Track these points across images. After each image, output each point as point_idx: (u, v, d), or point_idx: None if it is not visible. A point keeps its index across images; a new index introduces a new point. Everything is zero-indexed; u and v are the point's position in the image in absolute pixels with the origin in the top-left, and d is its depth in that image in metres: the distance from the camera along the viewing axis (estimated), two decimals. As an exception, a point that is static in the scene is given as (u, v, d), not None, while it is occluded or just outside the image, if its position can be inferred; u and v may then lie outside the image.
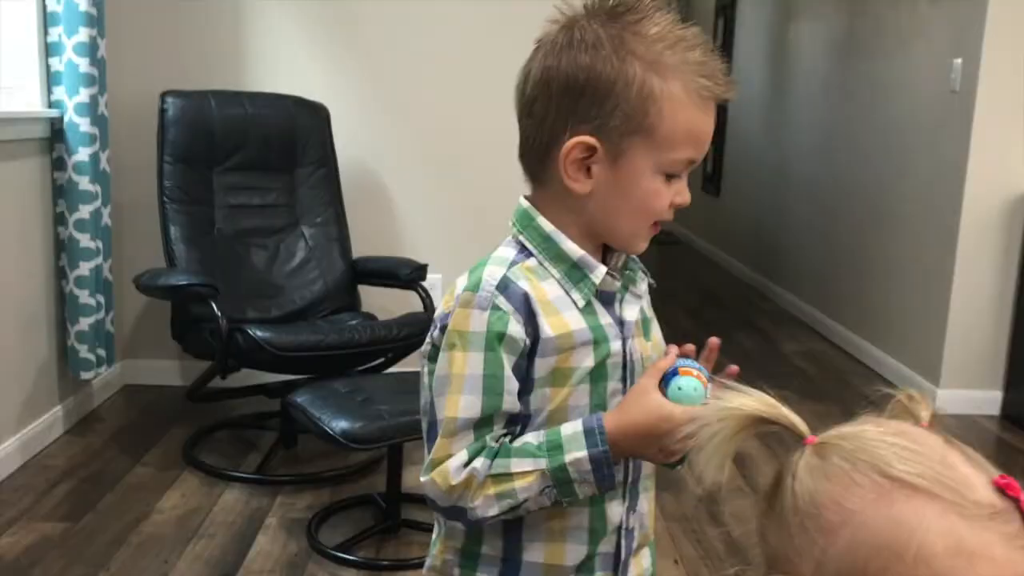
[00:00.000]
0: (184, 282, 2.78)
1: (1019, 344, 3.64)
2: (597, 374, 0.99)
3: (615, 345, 1.01)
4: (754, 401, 0.66)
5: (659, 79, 0.94)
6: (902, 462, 0.59)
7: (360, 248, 3.33)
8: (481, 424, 0.95)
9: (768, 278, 5.84)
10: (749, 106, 6.46)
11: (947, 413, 2.66)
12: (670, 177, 0.98)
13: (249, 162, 3.22)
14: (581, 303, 0.99)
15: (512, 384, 0.96)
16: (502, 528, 1.01)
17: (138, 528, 2.52)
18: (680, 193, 1.00)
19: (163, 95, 3.11)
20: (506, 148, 3.96)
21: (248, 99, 3.25)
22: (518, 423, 0.98)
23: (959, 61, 3.64)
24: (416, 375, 2.73)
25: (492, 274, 0.98)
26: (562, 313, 0.98)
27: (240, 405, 3.35)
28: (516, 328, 0.95)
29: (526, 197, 1.06)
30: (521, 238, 1.03)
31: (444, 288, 3.55)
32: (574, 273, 1.00)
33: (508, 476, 0.95)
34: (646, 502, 1.08)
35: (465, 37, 3.52)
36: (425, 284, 3.13)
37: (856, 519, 0.59)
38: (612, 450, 0.94)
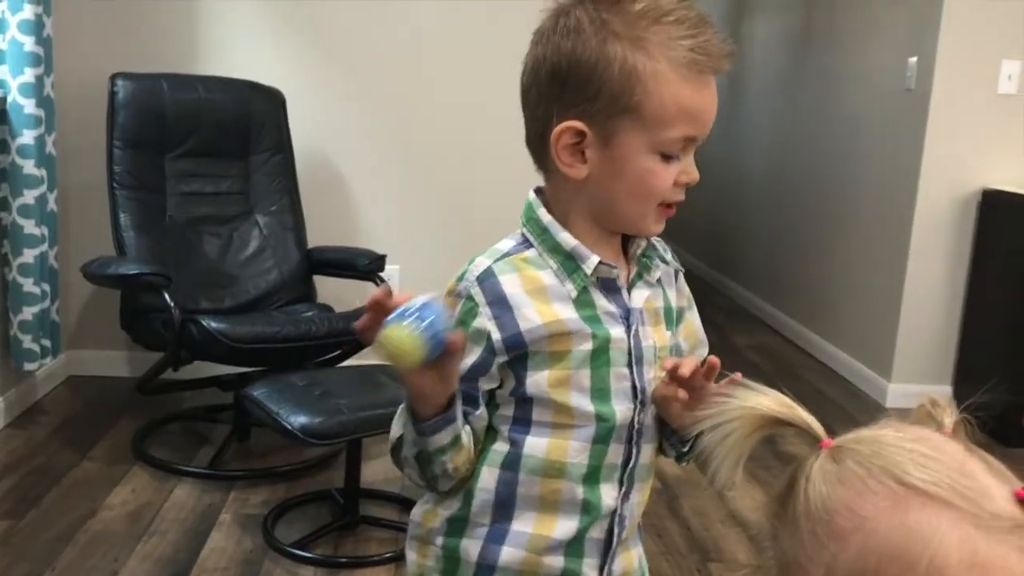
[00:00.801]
0: (135, 271, 2.70)
1: (968, 339, 3.70)
2: (598, 360, 1.00)
3: (615, 331, 1.01)
4: (770, 401, 0.65)
5: (643, 56, 0.93)
6: (919, 469, 0.58)
7: (316, 237, 3.27)
8: None
9: (721, 272, 5.88)
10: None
11: (898, 407, 2.72)
12: (668, 157, 0.96)
13: (202, 148, 3.13)
14: (574, 293, 1.00)
15: (469, 372, 0.99)
16: (495, 496, 1.02)
17: (85, 525, 2.44)
18: (686, 171, 0.98)
19: (113, 77, 3.01)
20: (466, 136, 3.94)
21: (201, 83, 3.16)
22: (476, 404, 1.01)
23: (914, 59, 3.68)
24: (372, 367, 2.70)
25: (478, 265, 1.01)
26: (553, 303, 0.99)
27: (191, 397, 3.27)
28: (482, 321, 0.98)
29: (536, 188, 1.06)
30: (524, 230, 1.04)
31: (403, 279, 3.50)
32: (568, 264, 1.00)
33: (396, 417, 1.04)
34: (638, 493, 1.08)
35: (423, 22, 3.47)
36: (383, 275, 3.08)
37: (868, 526, 0.57)
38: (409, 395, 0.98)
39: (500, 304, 0.98)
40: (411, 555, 1.09)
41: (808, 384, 4.06)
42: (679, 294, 1.11)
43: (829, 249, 4.43)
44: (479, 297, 0.98)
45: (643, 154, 0.96)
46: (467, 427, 1.00)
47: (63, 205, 3.30)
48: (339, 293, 3.25)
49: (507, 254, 1.01)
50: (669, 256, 1.10)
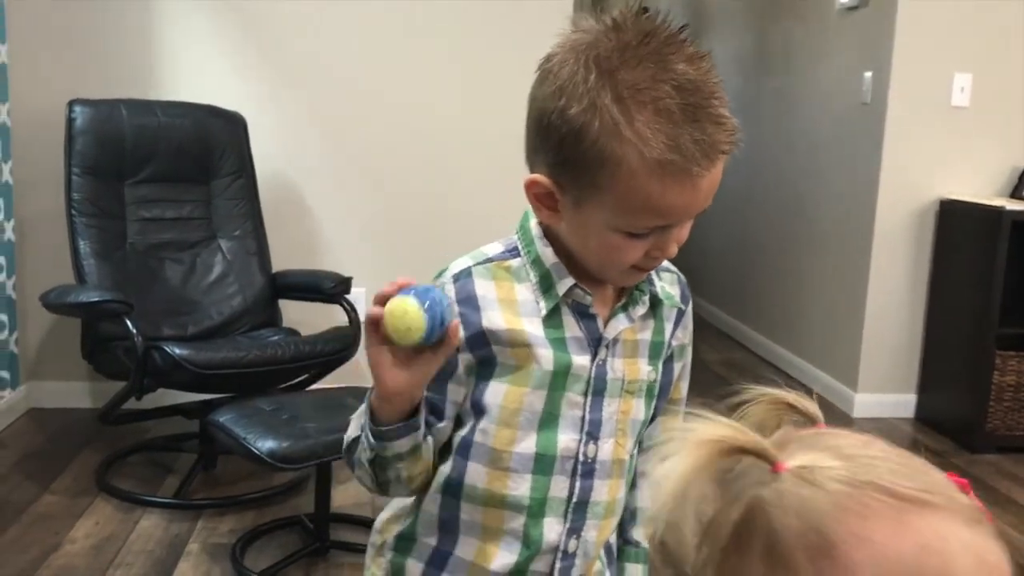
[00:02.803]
0: (96, 299, 2.66)
1: (931, 347, 3.75)
2: (556, 382, 0.98)
3: (578, 358, 0.98)
4: (725, 428, 0.57)
5: (616, 142, 0.85)
6: (903, 477, 0.54)
7: (280, 261, 3.24)
8: None
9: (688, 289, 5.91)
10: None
11: (865, 417, 2.72)
12: (637, 235, 0.90)
13: (162, 173, 3.10)
14: (544, 312, 0.98)
15: (436, 373, 0.97)
16: (438, 519, 1.01)
17: (47, 561, 2.38)
18: (659, 247, 0.92)
19: (71, 103, 2.98)
20: (429, 157, 3.92)
21: (160, 108, 3.13)
22: (441, 416, 0.99)
23: (869, 74, 3.74)
24: (340, 391, 2.67)
25: (459, 264, 1.00)
26: (521, 317, 0.97)
27: (155, 427, 3.22)
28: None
29: None
30: (515, 237, 1.02)
31: (368, 301, 3.48)
32: (545, 281, 0.98)
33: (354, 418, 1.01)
34: (596, 531, 1.03)
35: (384, 44, 3.47)
36: (349, 297, 3.06)
37: (879, 550, 0.52)
38: (371, 398, 0.95)
39: (469, 303, 0.96)
40: (367, 560, 1.09)
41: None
42: (683, 331, 1.08)
43: (793, 263, 4.47)
44: (451, 294, 0.96)
45: (607, 230, 0.90)
46: (428, 438, 0.97)
47: (20, 234, 3.25)
48: (305, 317, 3.22)
49: (490, 259, 0.99)
50: (678, 292, 1.06)
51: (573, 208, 0.91)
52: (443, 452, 1.01)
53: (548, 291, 0.98)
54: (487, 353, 0.96)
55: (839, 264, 4.00)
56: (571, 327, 0.99)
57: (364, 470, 0.98)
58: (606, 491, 1.02)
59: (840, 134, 4.01)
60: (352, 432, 1.00)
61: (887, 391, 3.79)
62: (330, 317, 3.10)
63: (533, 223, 1.00)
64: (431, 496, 1.01)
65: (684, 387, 1.12)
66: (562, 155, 0.89)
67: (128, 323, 2.59)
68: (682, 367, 1.10)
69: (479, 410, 0.98)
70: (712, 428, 0.56)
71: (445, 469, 1.00)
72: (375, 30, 3.46)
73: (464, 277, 0.98)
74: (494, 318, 0.96)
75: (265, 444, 2.18)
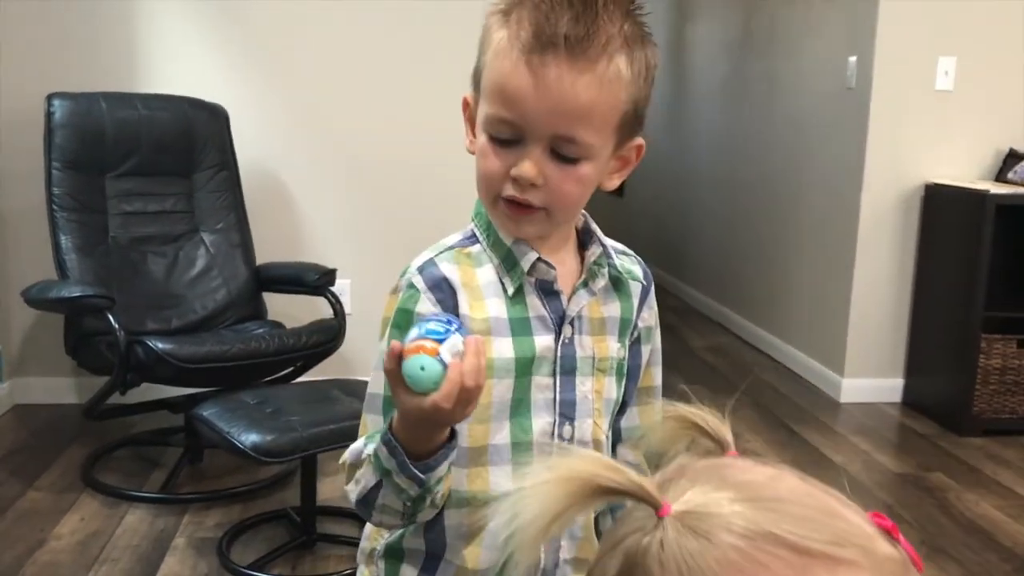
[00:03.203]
0: (78, 294, 2.64)
1: (918, 332, 3.75)
2: (521, 367, 0.96)
3: (541, 339, 0.97)
4: (595, 466, 0.49)
5: (501, 23, 0.90)
6: (809, 526, 0.47)
7: (264, 254, 3.22)
8: (388, 402, 0.94)
9: (673, 275, 5.91)
10: (649, 107, 6.52)
11: (852, 401, 2.72)
12: (499, 141, 0.91)
13: (144, 167, 3.07)
14: (511, 290, 0.97)
15: None
16: (422, 527, 0.99)
17: (33, 557, 2.36)
18: (516, 164, 0.90)
19: (49, 97, 2.95)
20: (412, 147, 3.90)
21: (141, 101, 3.10)
22: None
23: (854, 58, 3.74)
24: (325, 383, 2.67)
25: (420, 257, 0.99)
26: (486, 299, 0.96)
27: (141, 421, 3.20)
28: (427, 306, 0.93)
29: None
30: (471, 225, 1.01)
31: (353, 293, 3.47)
32: (508, 260, 0.97)
33: (361, 461, 0.93)
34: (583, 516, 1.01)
35: (364, 35, 3.44)
36: (334, 289, 3.04)
37: None
38: (401, 437, 0.87)
39: (440, 288, 0.94)
40: (361, 568, 1.08)
41: (763, 382, 4.09)
42: (649, 311, 1.07)
43: (778, 248, 4.47)
44: (420, 284, 0.94)
45: (481, 132, 0.93)
46: None
47: (1, 230, 3.22)
48: (289, 309, 3.21)
49: (450, 247, 0.99)
50: (639, 270, 1.06)
51: (477, 121, 0.94)
52: None
53: (513, 269, 0.97)
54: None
55: (825, 248, 4.00)
56: (535, 307, 0.98)
57: (391, 512, 0.92)
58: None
59: (825, 118, 4.00)
60: (367, 482, 0.92)
61: (874, 375, 3.80)
62: (315, 309, 3.09)
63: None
64: None
65: (657, 374, 1.10)
66: (476, 61, 0.94)
67: (110, 318, 2.58)
68: (651, 352, 1.09)
69: None
70: (579, 464, 0.49)
71: None
72: (357, 23, 3.43)
73: (429, 266, 0.97)
74: (463, 304, 0.95)
75: (249, 438, 2.17)
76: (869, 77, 3.63)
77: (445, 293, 0.94)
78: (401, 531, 1.01)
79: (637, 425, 1.09)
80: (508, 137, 0.91)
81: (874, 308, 3.77)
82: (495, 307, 0.96)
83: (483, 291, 0.96)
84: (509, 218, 0.94)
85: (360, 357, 3.32)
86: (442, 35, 3.42)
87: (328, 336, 2.85)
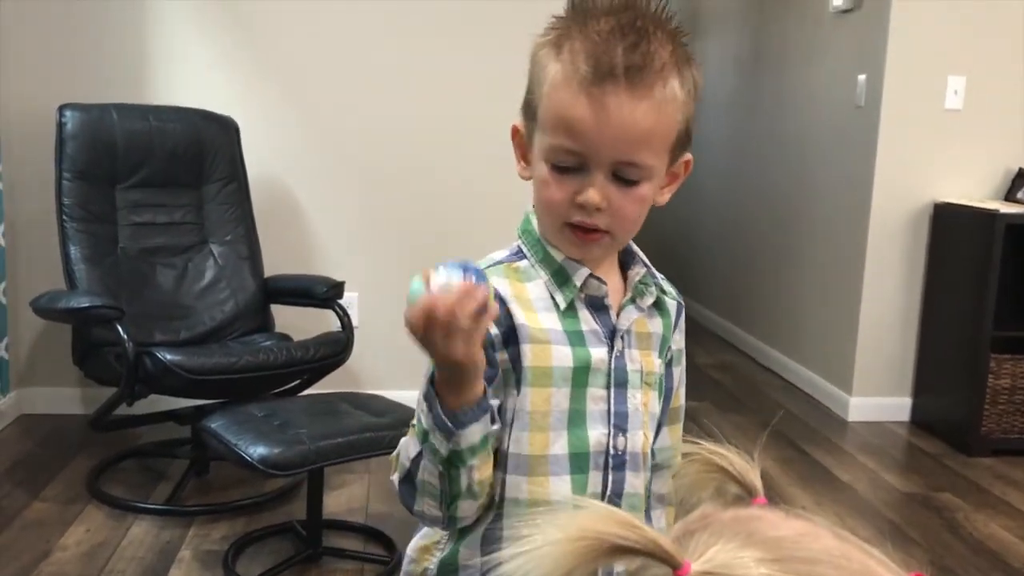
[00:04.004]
0: (86, 304, 2.64)
1: (926, 351, 3.74)
2: (578, 378, 0.98)
3: (596, 351, 0.99)
4: (608, 524, 0.46)
5: (553, 56, 0.93)
6: None
7: (272, 266, 3.23)
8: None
9: (680, 292, 5.90)
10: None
11: (860, 420, 2.70)
12: (560, 169, 0.93)
13: (154, 178, 3.08)
14: (563, 305, 0.98)
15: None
16: (481, 537, 0.99)
17: (38, 568, 2.36)
18: (580, 191, 0.93)
19: (61, 108, 2.96)
20: (422, 162, 3.89)
21: (152, 112, 3.11)
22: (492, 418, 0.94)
23: (863, 77, 3.74)
24: (333, 396, 2.66)
25: None
26: (539, 313, 0.98)
27: (147, 433, 3.20)
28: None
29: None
30: (519, 242, 1.03)
31: (361, 306, 3.47)
32: (559, 276, 0.99)
33: (404, 443, 0.95)
34: None
35: (376, 48, 3.46)
36: (342, 302, 3.04)
37: None
38: (438, 389, 0.89)
39: (496, 298, 0.93)
40: None
41: (771, 400, 4.08)
42: (680, 334, 1.10)
43: (787, 266, 4.46)
44: None
45: (540, 161, 0.95)
46: (493, 430, 0.95)
47: (11, 239, 3.23)
48: (297, 322, 3.21)
49: (499, 262, 1.01)
50: (674, 291, 1.09)
51: (530, 150, 0.97)
52: None
53: (565, 284, 0.99)
54: (515, 353, 0.96)
55: (834, 267, 3.99)
56: (587, 320, 1.00)
57: (431, 492, 0.93)
58: (639, 483, 1.03)
59: (834, 137, 4.00)
60: (410, 453, 0.93)
61: (882, 394, 3.79)
62: (323, 322, 3.09)
63: (535, 225, 1.01)
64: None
65: (682, 394, 1.14)
66: (527, 92, 0.96)
67: (119, 328, 2.58)
68: (680, 372, 1.12)
69: (508, 419, 0.98)
70: (590, 522, 0.46)
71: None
72: (368, 35, 3.45)
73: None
74: (517, 314, 0.96)
75: (257, 450, 2.17)
76: (878, 95, 3.63)
77: (498, 303, 0.94)
78: (456, 547, 1.00)
79: (669, 445, 1.11)
80: (571, 165, 0.93)
81: (882, 327, 3.76)
82: (548, 320, 0.98)
83: (534, 304, 0.98)
84: (575, 244, 0.97)
85: (368, 370, 3.32)
86: (457, 48, 3.43)
87: (336, 349, 2.85)
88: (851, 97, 3.83)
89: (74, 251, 2.89)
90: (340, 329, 2.96)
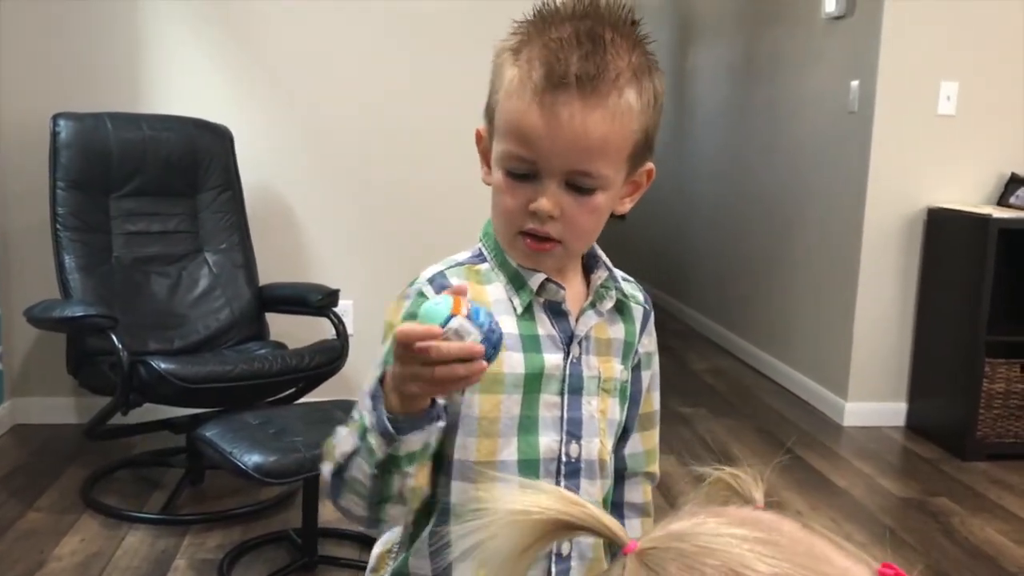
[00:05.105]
0: (80, 313, 2.63)
1: (921, 356, 3.75)
2: (530, 384, 0.97)
3: (551, 357, 0.98)
4: (552, 500, 0.49)
5: (511, 61, 0.92)
6: (764, 561, 0.45)
7: (267, 274, 3.22)
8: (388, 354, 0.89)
9: (675, 297, 5.91)
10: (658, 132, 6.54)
11: (855, 425, 2.71)
12: (514, 175, 0.92)
13: (148, 187, 3.08)
14: (519, 309, 0.98)
15: None
16: (428, 546, 0.98)
17: (33, 578, 2.35)
18: (534, 199, 0.91)
19: (55, 117, 2.96)
20: (416, 170, 3.90)
21: (146, 121, 3.11)
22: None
23: (856, 83, 3.76)
24: (328, 404, 2.66)
25: (430, 270, 1.00)
26: (497, 316, 0.94)
27: (142, 442, 3.19)
28: None
29: None
30: (480, 244, 1.03)
31: (356, 314, 3.47)
32: (516, 280, 0.99)
33: (341, 435, 0.93)
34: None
35: (368, 58, 3.46)
36: (337, 310, 3.04)
37: None
38: (387, 391, 0.86)
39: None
40: None
41: (766, 406, 4.08)
42: (649, 337, 1.08)
43: (781, 271, 4.47)
44: (429, 292, 0.95)
45: (496, 168, 0.94)
46: (433, 439, 0.92)
47: (4, 249, 3.22)
48: (292, 330, 3.20)
49: (460, 263, 1.01)
50: (641, 295, 1.08)
51: (492, 155, 0.95)
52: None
53: (521, 288, 0.98)
54: None
55: (828, 272, 4.00)
56: (544, 325, 0.99)
57: (359, 491, 0.91)
58: (595, 491, 1.01)
59: (827, 143, 4.02)
60: (345, 448, 0.90)
61: (877, 399, 3.79)
62: (318, 330, 3.09)
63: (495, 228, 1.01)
64: (420, 524, 0.99)
65: (656, 399, 1.12)
66: (489, 95, 0.96)
67: (113, 338, 2.57)
68: (651, 377, 1.10)
69: (454, 423, 0.96)
70: (543, 500, 0.49)
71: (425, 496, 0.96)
72: (362, 45, 3.45)
73: (440, 278, 0.98)
74: None
75: (251, 458, 2.16)
76: (871, 101, 3.64)
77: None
78: (407, 556, 1.00)
79: (641, 452, 1.10)
80: (524, 172, 0.92)
81: (877, 332, 3.77)
82: (506, 324, 0.95)
83: (492, 308, 0.96)
84: (526, 254, 0.96)
85: (363, 378, 3.31)
86: (445, 60, 3.44)
87: (331, 357, 2.85)
88: (844, 103, 3.84)
89: (68, 260, 2.89)
90: (335, 337, 2.96)
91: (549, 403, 0.97)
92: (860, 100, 3.73)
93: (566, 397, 0.98)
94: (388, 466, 0.88)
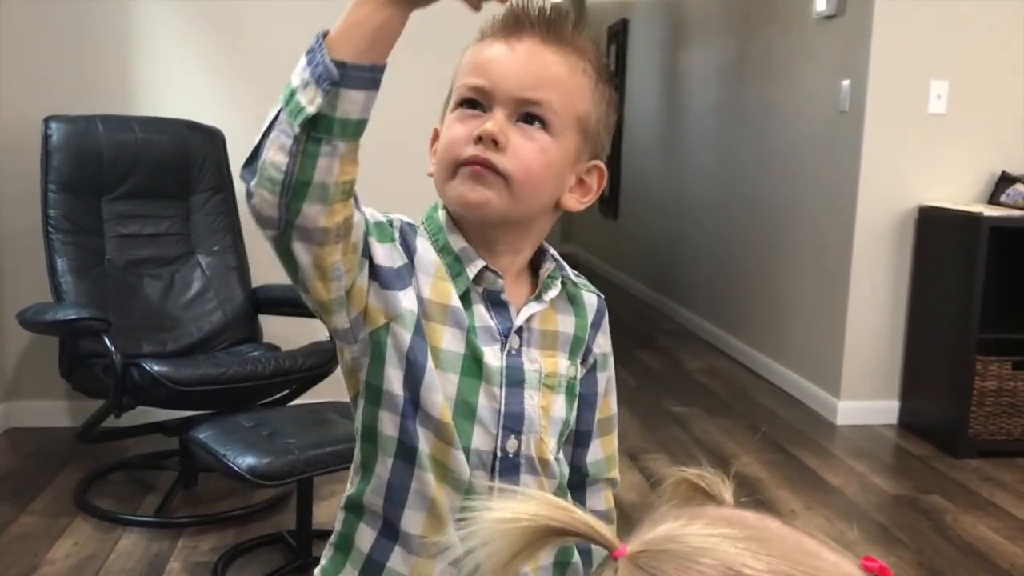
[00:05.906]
0: (73, 316, 2.63)
1: (913, 354, 3.76)
2: (468, 369, 0.93)
3: (488, 349, 0.94)
4: (541, 507, 0.49)
5: (471, 45, 0.97)
6: (758, 558, 0.45)
7: (260, 276, 3.22)
8: None
9: (668, 297, 5.92)
10: (644, 130, 6.57)
11: (848, 424, 2.73)
12: (468, 109, 0.93)
13: (140, 189, 3.08)
14: (456, 296, 0.94)
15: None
16: (387, 484, 0.94)
17: (26, 582, 2.35)
18: (481, 125, 0.91)
19: (46, 120, 2.95)
20: (407, 169, 3.90)
21: (138, 124, 3.11)
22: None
23: (847, 83, 3.77)
24: (321, 406, 2.66)
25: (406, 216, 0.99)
26: (438, 283, 0.95)
27: (135, 445, 3.19)
28: (392, 234, 0.94)
29: None
30: (421, 226, 0.98)
31: (349, 315, 3.46)
32: (455, 265, 0.95)
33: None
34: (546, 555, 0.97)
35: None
36: (330, 312, 3.03)
37: None
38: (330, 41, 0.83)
39: (407, 242, 0.95)
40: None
41: (759, 405, 4.09)
42: (604, 337, 1.04)
43: (773, 271, 4.48)
44: (396, 226, 0.95)
45: (449, 113, 0.96)
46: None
47: (-3, 252, 3.21)
48: (285, 332, 3.20)
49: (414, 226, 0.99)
50: (594, 295, 1.05)
51: (446, 117, 0.96)
52: (381, 400, 0.94)
53: (459, 275, 0.94)
54: (420, 326, 0.92)
55: (820, 271, 4.01)
56: (481, 316, 0.95)
57: (270, 180, 0.82)
58: (543, 490, 0.96)
59: (819, 142, 4.03)
60: (264, 123, 0.84)
61: (870, 397, 3.80)
62: (311, 332, 3.08)
63: (440, 212, 0.98)
64: (382, 461, 0.94)
65: (613, 402, 1.08)
66: (449, 90, 0.98)
67: (106, 340, 2.57)
68: (607, 380, 1.06)
69: (374, 351, 0.93)
70: (529, 507, 0.48)
71: (391, 432, 0.93)
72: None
73: (411, 229, 0.96)
74: (423, 285, 0.93)
75: (245, 461, 2.16)
76: (862, 101, 3.66)
77: (405, 246, 0.94)
78: (365, 486, 0.96)
79: (602, 458, 1.06)
80: (476, 99, 0.93)
81: (869, 330, 3.78)
82: (448, 293, 0.94)
83: (434, 271, 0.95)
84: (466, 181, 0.91)
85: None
86: (442, 61, 3.44)
87: (324, 359, 2.85)
88: (835, 102, 3.85)
89: (60, 263, 2.88)
90: (328, 339, 2.95)
91: (490, 394, 0.94)
92: (851, 100, 3.74)
93: (504, 390, 0.94)
94: (317, 128, 0.79)
